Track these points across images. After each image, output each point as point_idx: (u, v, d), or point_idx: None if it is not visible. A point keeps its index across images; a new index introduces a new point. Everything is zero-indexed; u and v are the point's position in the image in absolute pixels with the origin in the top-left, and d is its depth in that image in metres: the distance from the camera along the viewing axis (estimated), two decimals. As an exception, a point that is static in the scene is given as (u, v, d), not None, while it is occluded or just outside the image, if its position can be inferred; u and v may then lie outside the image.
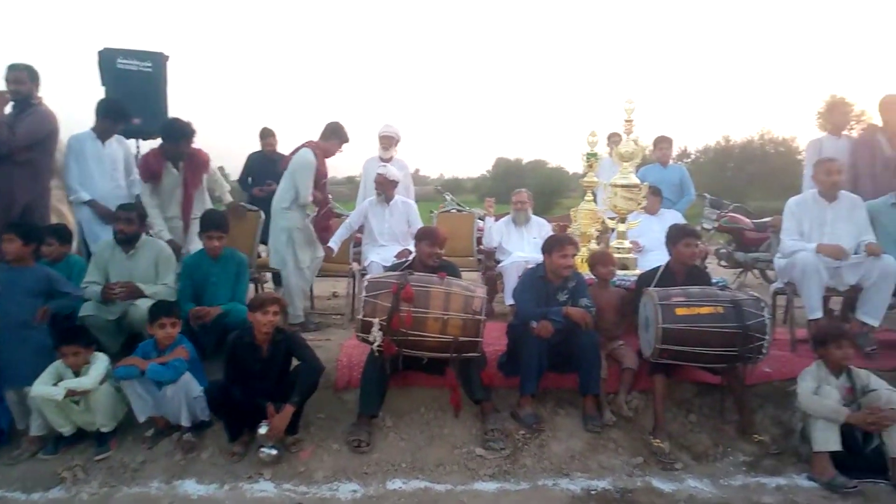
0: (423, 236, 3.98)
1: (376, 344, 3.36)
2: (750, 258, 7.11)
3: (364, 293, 3.43)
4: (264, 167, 6.11)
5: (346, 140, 5.00)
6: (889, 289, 4.06)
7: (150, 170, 4.50)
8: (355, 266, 5.68)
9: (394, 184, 5.33)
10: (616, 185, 4.71)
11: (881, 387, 3.33)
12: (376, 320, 3.35)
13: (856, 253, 4.21)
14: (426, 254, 3.92)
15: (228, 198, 5.20)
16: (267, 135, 6.37)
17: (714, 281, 4.35)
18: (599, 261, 4.14)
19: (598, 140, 4.86)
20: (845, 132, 5.14)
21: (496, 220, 5.89)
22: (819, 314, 4.11)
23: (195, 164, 4.64)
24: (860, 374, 3.40)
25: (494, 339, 4.08)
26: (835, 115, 5.08)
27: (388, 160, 6.06)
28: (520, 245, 5.55)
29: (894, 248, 4.24)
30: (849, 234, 4.25)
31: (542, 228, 5.65)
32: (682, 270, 4.00)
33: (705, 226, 7.57)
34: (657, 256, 5.08)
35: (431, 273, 3.73)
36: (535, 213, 5.66)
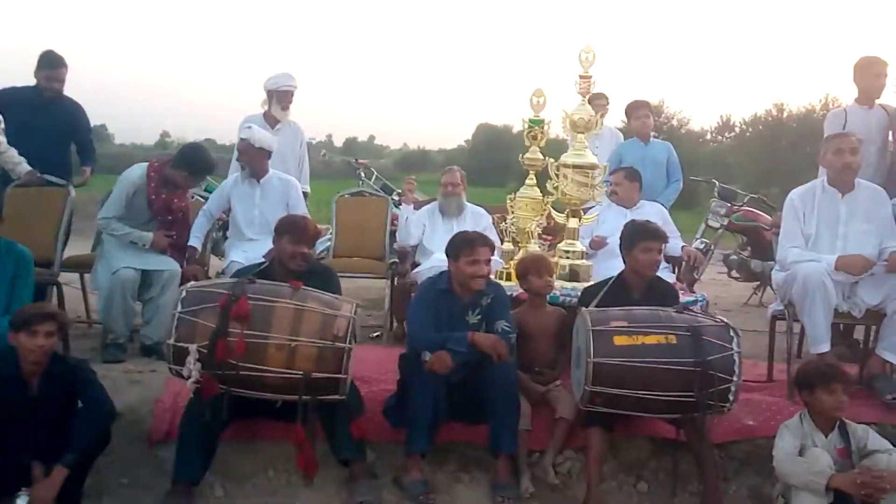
0: (283, 229, 3.90)
1: (192, 380, 3.25)
2: (769, 267, 7.13)
3: (179, 308, 3.32)
4: (25, 110, 5.31)
5: (197, 172, 4.96)
6: None
7: None
8: (216, 266, 5.57)
9: (263, 153, 5.23)
10: (565, 165, 4.66)
11: (884, 447, 3.33)
12: (194, 347, 3.25)
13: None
14: (288, 253, 3.84)
15: (23, 167, 5.04)
16: (53, 64, 5.46)
17: (690, 300, 4.35)
18: (531, 269, 4.10)
19: (546, 101, 4.81)
20: (881, 101, 5.18)
21: (417, 207, 5.84)
22: (826, 347, 4.12)
23: None
24: (857, 431, 3.39)
25: (392, 374, 4.03)
26: (865, 77, 5.10)
27: (276, 121, 5.97)
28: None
29: None
30: (868, 237, 4.26)
31: (479, 221, 5.63)
32: (640, 284, 3.99)
33: (712, 223, 7.58)
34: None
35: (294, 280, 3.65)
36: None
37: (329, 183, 10.11)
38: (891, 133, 5.10)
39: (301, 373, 3.31)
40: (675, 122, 30.70)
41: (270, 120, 5.97)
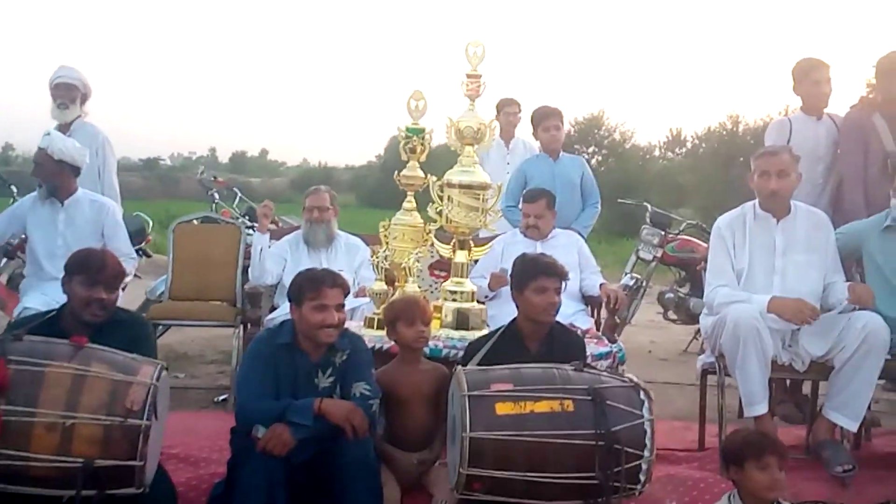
0: (74, 268, 3.60)
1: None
2: (712, 308, 7.16)
3: (-90, 376, 2.98)
4: None
5: None
6: (875, 367, 4.04)
7: None
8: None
9: (64, 168, 4.94)
10: (450, 185, 4.51)
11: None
12: (-73, 429, 2.93)
13: (829, 308, 4.21)
14: (81, 300, 3.54)
15: None
16: None
17: (601, 352, 4.27)
18: (400, 315, 3.87)
19: (426, 105, 4.64)
20: (829, 111, 5.19)
21: (271, 237, 5.66)
22: (763, 408, 4.08)
23: None
24: (798, 516, 3.28)
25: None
26: (803, 86, 5.11)
27: (68, 126, 5.74)
28: (315, 282, 5.34)
29: (888, 296, 4.27)
30: (809, 270, 4.27)
31: (354, 254, 5.59)
32: (537, 333, 3.88)
33: (643, 255, 7.59)
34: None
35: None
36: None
37: (205, 206, 9.82)
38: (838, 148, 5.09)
39: (80, 460, 2.99)
40: (616, 136, 31.29)
41: (63, 126, 5.75)
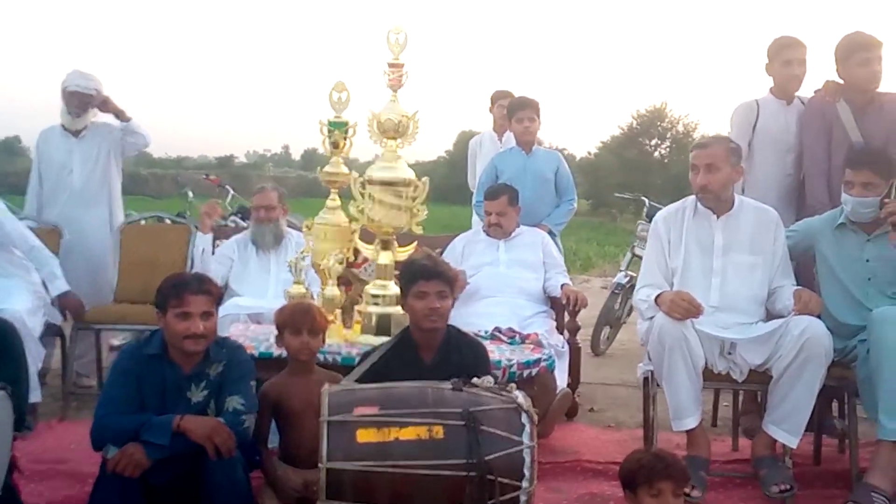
0: None
1: None
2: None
3: None
4: None
5: None
6: (815, 378, 3.54)
7: None
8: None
9: None
10: (371, 182, 4.06)
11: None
12: None
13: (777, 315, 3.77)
14: None
15: None
16: None
17: (527, 360, 3.84)
18: (288, 322, 3.40)
19: (349, 97, 4.17)
20: (801, 94, 4.64)
21: (217, 237, 5.39)
22: (692, 422, 3.64)
23: None
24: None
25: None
26: (773, 66, 4.54)
27: (78, 132, 5.45)
28: (261, 284, 5.06)
29: (841, 300, 3.83)
30: (753, 273, 3.85)
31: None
32: (430, 342, 3.39)
33: (639, 251, 6.93)
34: (500, 311, 4.67)
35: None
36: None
37: (178, 205, 9.41)
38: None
39: None
40: (680, 128, 30.56)
41: (74, 132, 5.44)
